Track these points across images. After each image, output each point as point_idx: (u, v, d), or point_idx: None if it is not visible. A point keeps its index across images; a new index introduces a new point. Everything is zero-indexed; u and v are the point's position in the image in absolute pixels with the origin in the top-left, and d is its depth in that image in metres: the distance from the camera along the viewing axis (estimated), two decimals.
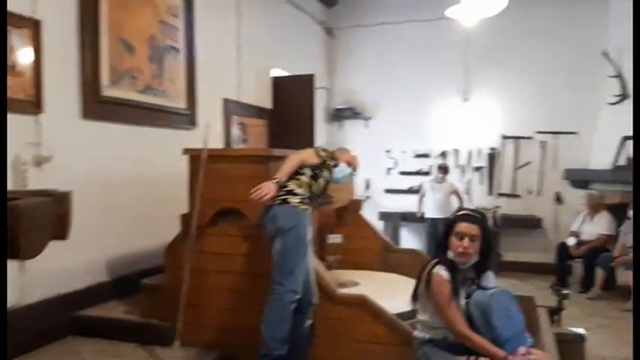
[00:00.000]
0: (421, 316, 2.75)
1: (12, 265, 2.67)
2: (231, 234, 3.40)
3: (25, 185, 3.15)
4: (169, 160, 3.87)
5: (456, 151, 7.89)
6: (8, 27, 3.01)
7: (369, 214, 7.29)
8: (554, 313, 3.83)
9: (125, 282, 3.94)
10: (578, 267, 6.62)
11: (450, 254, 2.70)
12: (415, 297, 2.78)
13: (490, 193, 7.75)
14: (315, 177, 3.22)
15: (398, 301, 3.21)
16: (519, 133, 7.57)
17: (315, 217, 3.68)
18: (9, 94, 2.99)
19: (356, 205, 4.69)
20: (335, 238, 4.09)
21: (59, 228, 2.33)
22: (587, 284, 6.25)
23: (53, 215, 2.28)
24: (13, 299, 3.08)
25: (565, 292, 4.02)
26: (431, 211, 7.12)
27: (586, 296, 6.04)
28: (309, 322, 3.12)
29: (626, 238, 6.03)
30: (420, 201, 7.36)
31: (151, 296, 3.60)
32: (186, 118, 4.76)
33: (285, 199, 3.04)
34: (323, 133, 8.09)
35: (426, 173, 7.94)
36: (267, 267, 3.05)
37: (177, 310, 3.31)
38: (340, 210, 4.39)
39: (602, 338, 4.65)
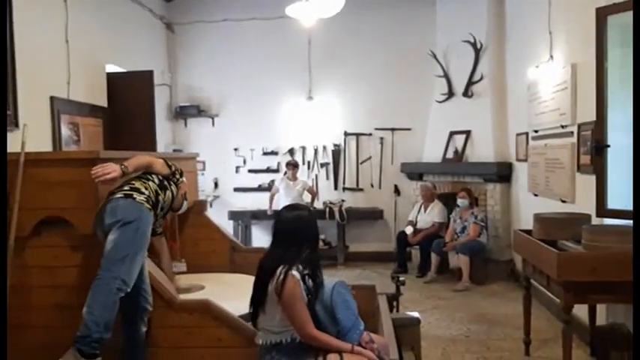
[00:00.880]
0: (265, 322, 2.66)
1: None
2: (58, 244, 3.10)
3: None
4: None
5: (303, 148, 8.06)
6: None
7: (219, 214, 7.24)
8: (393, 299, 4.05)
9: None
10: (416, 253, 7.10)
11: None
12: (257, 302, 2.68)
13: (336, 187, 8.04)
14: (162, 187, 3.16)
15: (244, 301, 3.16)
16: (360, 130, 7.93)
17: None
18: None
19: (200, 206, 4.55)
20: (180, 267, 3.91)
21: None
22: (423, 269, 6.73)
23: None
24: None
25: (402, 278, 4.25)
26: None
27: (423, 280, 6.50)
28: (144, 329, 2.97)
29: (456, 224, 6.61)
30: (272, 199, 7.41)
31: None
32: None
33: (129, 194, 2.91)
34: (166, 132, 7.79)
35: (276, 170, 8.01)
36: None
37: None
38: (184, 212, 4.23)
39: (436, 319, 5.03)
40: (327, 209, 7.59)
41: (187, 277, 4.04)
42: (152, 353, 3.05)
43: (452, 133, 7.19)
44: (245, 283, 3.89)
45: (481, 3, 6.89)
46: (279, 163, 8.02)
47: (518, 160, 6.30)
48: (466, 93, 7.02)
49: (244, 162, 8.12)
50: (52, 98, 4.93)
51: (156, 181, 3.14)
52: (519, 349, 4.11)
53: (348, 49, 7.80)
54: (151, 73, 6.03)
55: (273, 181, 7.68)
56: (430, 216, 6.98)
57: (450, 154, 7.14)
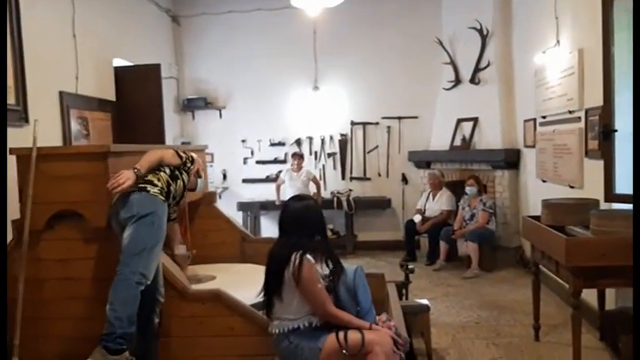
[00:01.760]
0: (281, 310, 2.71)
1: None
2: (71, 238, 3.16)
3: None
4: None
5: (310, 138, 8.07)
6: None
7: (228, 205, 7.28)
8: (402, 287, 4.08)
9: None
10: (425, 242, 7.12)
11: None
12: (272, 290, 2.74)
13: (343, 177, 8.05)
14: (174, 177, 3.22)
15: (255, 291, 3.20)
16: (367, 119, 7.93)
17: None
18: None
19: (210, 197, 4.60)
20: (181, 249, 3.90)
21: None
22: (432, 257, 6.75)
23: None
24: None
25: (411, 267, 4.29)
26: None
27: (432, 268, 6.52)
28: (156, 320, 3.03)
29: (464, 212, 6.62)
30: (278, 189, 7.45)
31: None
32: (15, 115, 4.31)
33: (143, 187, 2.97)
34: (175, 125, 7.83)
35: (283, 161, 8.03)
36: (113, 270, 2.87)
37: (13, 324, 3.01)
38: (194, 204, 4.27)
39: (446, 306, 5.05)
40: (335, 199, 7.62)
41: (198, 268, 4.09)
42: (165, 343, 3.11)
43: (459, 121, 7.18)
44: (256, 273, 3.94)
45: None
46: (286, 154, 8.03)
47: (526, 146, 6.29)
48: (473, 80, 7.00)
49: (252, 153, 8.15)
50: (61, 93, 4.97)
51: (167, 171, 3.20)
52: (529, 335, 4.13)
53: (353, 39, 7.78)
54: (158, 66, 6.05)
55: (280, 172, 7.71)
56: (438, 204, 6.99)
57: (457, 142, 7.14)
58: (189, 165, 3.37)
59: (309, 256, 2.66)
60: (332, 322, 2.68)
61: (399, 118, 7.84)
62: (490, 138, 6.83)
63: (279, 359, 2.79)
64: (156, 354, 3.06)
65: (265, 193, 7.85)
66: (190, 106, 8.02)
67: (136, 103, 5.91)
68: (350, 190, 7.80)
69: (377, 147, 7.95)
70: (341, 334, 2.61)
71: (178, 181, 3.26)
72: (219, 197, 6.51)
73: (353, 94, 7.92)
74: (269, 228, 7.89)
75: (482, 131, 6.94)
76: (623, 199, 3.53)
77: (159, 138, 5.89)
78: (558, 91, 5.03)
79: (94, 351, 2.77)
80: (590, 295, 3.94)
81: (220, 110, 8.09)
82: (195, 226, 4.35)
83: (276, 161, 8.09)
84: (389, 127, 7.88)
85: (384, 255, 7.31)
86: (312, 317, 2.70)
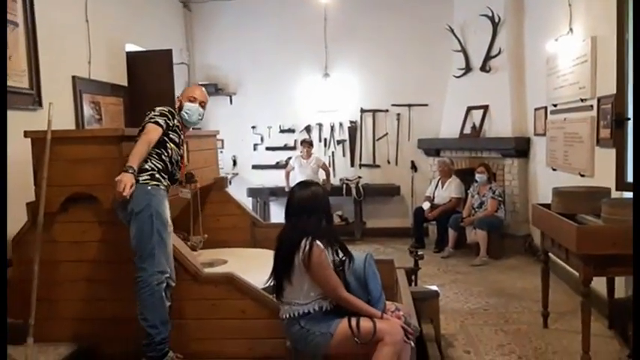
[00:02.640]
0: (292, 294, 2.73)
1: None
2: (84, 220, 3.22)
3: None
4: (12, 144, 3.52)
5: (319, 125, 8.07)
6: None
7: (238, 191, 7.31)
8: (412, 273, 4.11)
9: None
10: (433, 229, 7.14)
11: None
12: (281, 274, 2.75)
13: (352, 164, 8.05)
14: (162, 146, 3.09)
15: (265, 275, 3.23)
16: (376, 107, 7.91)
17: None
18: None
19: (221, 182, 4.64)
20: (185, 193, 3.78)
21: None
22: (441, 244, 6.77)
23: None
24: None
25: (420, 253, 4.31)
26: None
27: (440, 255, 6.54)
28: (168, 303, 3.06)
29: (473, 199, 6.62)
30: (287, 176, 7.48)
31: None
32: (30, 98, 4.35)
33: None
34: None
35: (293, 148, 8.04)
36: (126, 253, 2.93)
37: (28, 305, 3.07)
38: (205, 189, 4.31)
39: (454, 292, 5.08)
40: (344, 186, 7.64)
41: (209, 252, 4.14)
42: (178, 325, 3.15)
43: (469, 109, 7.16)
44: (266, 258, 3.96)
45: None
46: (296, 141, 8.04)
47: (536, 134, 6.26)
48: (484, 67, 6.96)
49: (262, 140, 8.17)
50: (74, 78, 5.00)
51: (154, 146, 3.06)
52: (537, 322, 4.15)
53: (364, 25, 7.74)
54: (169, 52, 6.06)
55: (290, 159, 7.73)
56: (447, 191, 6.99)
57: (467, 130, 7.12)
58: (173, 122, 3.17)
59: (318, 242, 2.67)
60: (343, 307, 2.69)
61: (409, 105, 7.81)
62: (500, 126, 6.81)
63: (290, 343, 2.81)
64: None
65: (275, 179, 7.88)
66: None
67: (147, 88, 5.93)
68: (359, 177, 7.82)
69: (386, 134, 7.94)
70: (353, 322, 2.63)
71: (168, 145, 3.13)
72: (230, 183, 6.55)
73: (363, 81, 7.90)
74: (278, 214, 7.91)
75: (493, 119, 6.92)
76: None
77: None
78: (570, 79, 5.00)
79: None
80: (599, 284, 3.95)
81: (231, 96, 8.09)
82: (206, 210, 4.39)
83: (285, 148, 8.10)
84: (399, 115, 7.86)
85: (392, 242, 7.33)
86: (322, 301, 2.72)
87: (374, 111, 7.92)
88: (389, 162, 7.98)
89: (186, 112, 3.32)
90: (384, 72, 7.80)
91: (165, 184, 3.08)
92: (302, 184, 2.97)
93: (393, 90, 7.81)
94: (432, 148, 7.62)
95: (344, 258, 2.79)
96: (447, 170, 7.05)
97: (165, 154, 3.11)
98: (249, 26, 7.93)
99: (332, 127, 8.04)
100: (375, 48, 7.77)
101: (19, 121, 3.88)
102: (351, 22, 7.72)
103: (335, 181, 7.73)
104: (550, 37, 5.47)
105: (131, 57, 6.07)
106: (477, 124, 6.99)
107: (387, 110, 7.90)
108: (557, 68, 5.36)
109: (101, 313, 3.23)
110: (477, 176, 6.53)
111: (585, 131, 4.60)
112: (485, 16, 6.78)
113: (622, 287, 3.90)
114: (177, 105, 3.35)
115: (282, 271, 2.74)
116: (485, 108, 6.97)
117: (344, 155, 8.08)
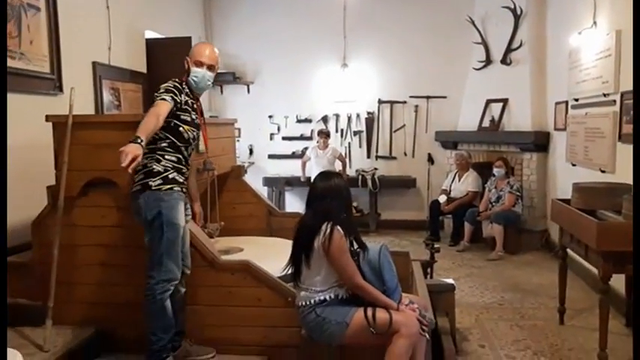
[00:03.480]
0: (309, 279, 2.73)
1: None
2: (104, 205, 3.24)
3: None
4: (33, 128, 3.56)
5: (337, 115, 8.05)
6: None
7: (254, 180, 7.29)
8: (427, 265, 4.09)
9: None
10: (449, 222, 7.11)
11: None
12: (300, 258, 2.75)
13: (369, 156, 8.03)
14: (175, 132, 2.94)
15: (281, 264, 3.24)
16: (394, 98, 7.86)
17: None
18: None
19: (238, 171, 4.65)
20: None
21: None
22: (456, 238, 6.74)
23: None
24: None
25: (436, 246, 4.30)
26: None
27: (456, 249, 6.51)
28: (182, 290, 3.09)
29: (490, 194, 6.57)
30: (304, 166, 7.48)
31: (18, 275, 3.34)
32: (51, 83, 4.40)
33: (145, 184, 2.86)
34: (203, 99, 7.84)
35: (309, 138, 8.04)
36: (142, 238, 2.94)
37: (47, 288, 3.11)
38: (222, 177, 4.32)
39: (470, 286, 5.06)
40: (360, 177, 7.62)
41: (226, 240, 4.15)
42: (194, 311, 3.18)
43: (488, 102, 7.08)
44: (282, 246, 3.99)
45: None
46: (312, 131, 8.03)
47: (556, 129, 6.18)
48: (504, 60, 6.87)
49: (278, 129, 8.17)
50: (94, 64, 5.04)
51: (162, 137, 2.92)
52: (553, 318, 4.12)
53: (383, 15, 7.68)
54: (189, 39, 6.05)
55: (306, 149, 7.72)
56: (464, 185, 6.94)
57: (486, 123, 7.05)
58: (179, 99, 2.98)
59: (339, 228, 2.67)
60: (359, 295, 2.69)
61: (427, 97, 7.75)
62: (520, 120, 6.73)
63: (305, 331, 2.81)
64: (184, 322, 3.13)
65: (291, 169, 7.88)
66: (219, 80, 8.02)
67: (166, 75, 5.78)
68: (375, 168, 7.80)
69: (404, 126, 7.89)
70: (369, 312, 2.62)
71: (181, 129, 2.96)
72: (246, 172, 6.56)
73: (381, 72, 7.85)
74: (294, 204, 7.94)
75: (512, 113, 6.84)
76: None
77: None
78: (593, 74, 4.92)
79: None
80: (617, 281, 3.90)
81: (248, 85, 8.10)
82: (223, 198, 4.39)
83: (302, 137, 8.10)
84: (416, 107, 7.81)
85: (407, 234, 7.31)
86: (338, 289, 2.72)
87: (392, 102, 7.88)
88: (405, 154, 7.93)
89: (193, 79, 3.17)
90: (402, 63, 7.74)
91: (182, 180, 2.98)
92: (324, 175, 2.95)
93: (411, 81, 7.75)
94: (449, 140, 7.56)
95: (358, 250, 2.79)
96: (465, 163, 7.00)
97: (179, 141, 2.96)
98: (268, 15, 7.91)
99: (349, 118, 8.01)
100: (394, 39, 7.71)
101: (40, 106, 3.93)
102: (370, 13, 7.67)
103: (351, 172, 7.71)
104: (573, 30, 5.38)
105: (150, 44, 6.09)
106: (496, 117, 6.91)
107: (404, 102, 7.84)
108: (579, 62, 5.27)
109: (116, 298, 3.26)
110: (495, 170, 6.48)
111: (607, 126, 4.53)
112: (507, 7, 6.69)
113: None
114: (185, 67, 3.20)
115: (300, 255, 2.74)
116: (505, 101, 6.89)
117: (360, 146, 8.05)
